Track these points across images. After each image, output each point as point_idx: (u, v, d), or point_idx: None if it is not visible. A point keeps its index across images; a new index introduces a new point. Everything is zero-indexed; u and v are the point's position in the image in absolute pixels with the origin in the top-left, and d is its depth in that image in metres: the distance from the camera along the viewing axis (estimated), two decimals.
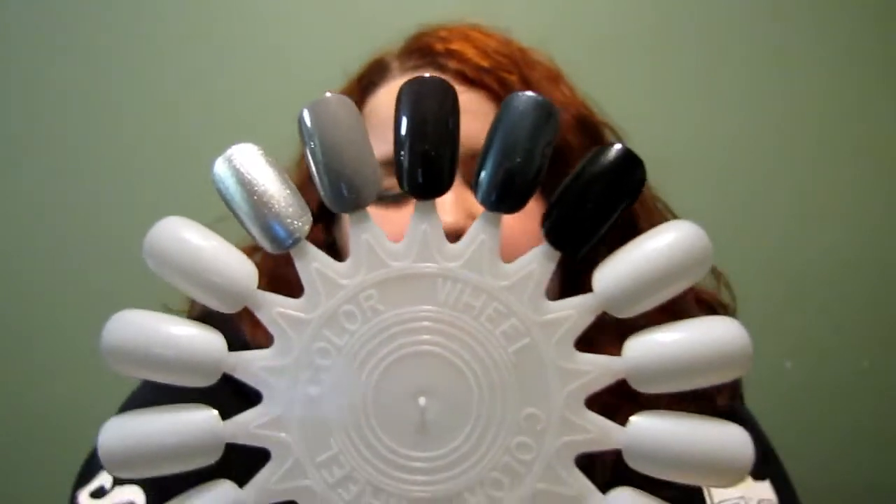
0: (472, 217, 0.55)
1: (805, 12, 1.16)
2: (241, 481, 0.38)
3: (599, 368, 0.37)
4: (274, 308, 0.38)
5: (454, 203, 0.56)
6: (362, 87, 0.67)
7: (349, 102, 0.39)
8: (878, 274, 1.17)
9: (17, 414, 1.16)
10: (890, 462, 1.17)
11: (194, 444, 0.38)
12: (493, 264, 0.38)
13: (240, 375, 0.38)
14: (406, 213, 0.48)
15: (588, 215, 0.37)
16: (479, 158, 0.38)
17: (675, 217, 0.67)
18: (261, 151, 0.39)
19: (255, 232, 0.38)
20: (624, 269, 0.37)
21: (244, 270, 0.38)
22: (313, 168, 0.38)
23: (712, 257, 0.38)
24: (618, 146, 0.38)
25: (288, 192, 0.38)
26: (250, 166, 0.39)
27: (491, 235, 0.38)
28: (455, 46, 0.63)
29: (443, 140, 0.38)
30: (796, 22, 1.17)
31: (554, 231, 0.38)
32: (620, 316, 0.38)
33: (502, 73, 0.62)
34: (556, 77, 0.67)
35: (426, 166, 0.38)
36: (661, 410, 0.37)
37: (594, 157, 0.38)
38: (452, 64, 0.62)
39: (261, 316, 0.38)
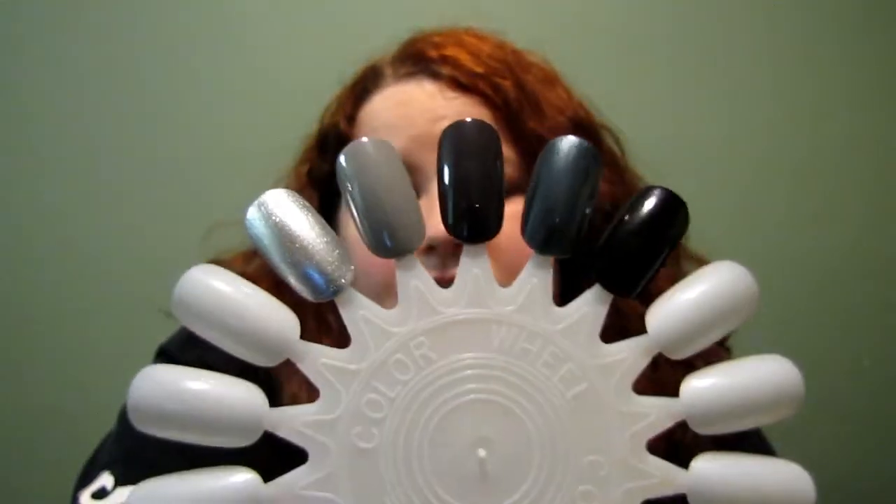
0: None
1: (801, 11, 1.18)
2: None
3: (659, 411, 0.37)
4: (319, 359, 0.36)
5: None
6: (356, 95, 0.66)
7: (388, 146, 0.38)
8: (878, 273, 1.18)
9: (19, 414, 1.12)
10: (890, 461, 1.17)
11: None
12: (546, 308, 0.37)
13: (283, 434, 0.36)
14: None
15: (638, 260, 0.37)
16: (526, 203, 0.38)
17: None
18: (293, 197, 0.38)
19: (295, 282, 0.37)
20: (677, 310, 0.37)
21: (286, 320, 0.36)
22: (355, 214, 0.37)
23: (758, 297, 0.38)
24: (660, 191, 0.38)
25: (327, 238, 0.37)
26: (284, 213, 0.37)
27: (542, 279, 0.37)
28: (448, 52, 0.63)
29: (489, 190, 0.38)
30: (793, 20, 1.19)
31: (606, 276, 0.37)
32: (674, 357, 0.37)
33: (496, 78, 0.62)
34: (552, 79, 0.67)
35: (472, 217, 0.37)
36: (718, 452, 0.37)
37: (638, 201, 0.38)
38: (446, 70, 0.62)
39: (304, 368, 0.36)
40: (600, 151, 0.39)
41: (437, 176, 0.38)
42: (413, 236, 0.37)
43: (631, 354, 0.37)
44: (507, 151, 0.60)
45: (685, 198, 0.65)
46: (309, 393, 0.37)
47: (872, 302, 1.19)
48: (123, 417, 0.63)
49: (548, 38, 0.67)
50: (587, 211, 0.38)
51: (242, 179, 0.68)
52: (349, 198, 0.37)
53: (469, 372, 0.36)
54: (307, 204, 0.38)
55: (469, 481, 0.35)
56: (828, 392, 1.15)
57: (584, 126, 0.65)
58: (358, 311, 0.37)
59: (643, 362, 0.37)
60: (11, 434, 1.12)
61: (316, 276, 0.36)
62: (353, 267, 0.37)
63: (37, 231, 1.14)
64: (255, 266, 0.63)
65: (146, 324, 0.65)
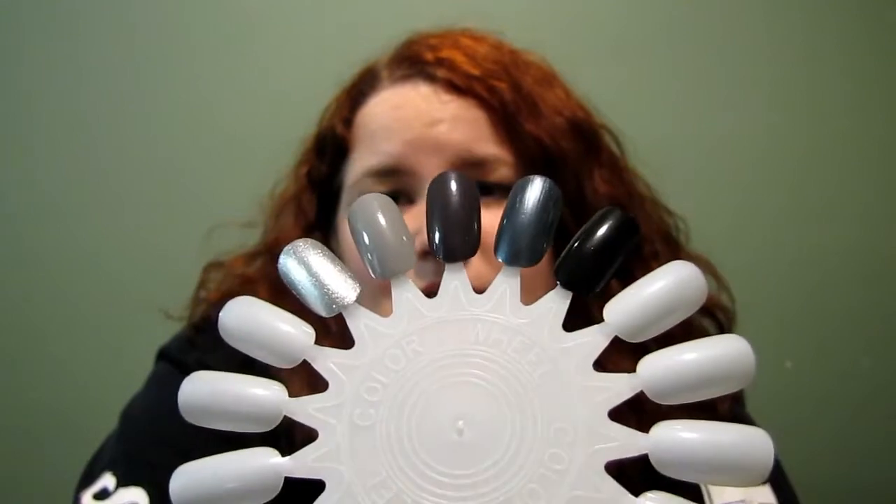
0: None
1: (801, 11, 1.17)
2: None
3: (618, 384, 0.42)
4: (329, 359, 0.44)
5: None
6: (352, 98, 0.67)
7: (386, 200, 0.48)
8: (878, 273, 1.13)
9: (19, 415, 1.11)
10: (890, 461, 1.08)
11: (258, 484, 0.42)
12: (515, 307, 0.44)
13: (299, 418, 0.43)
14: None
15: (595, 268, 0.44)
16: (499, 227, 0.46)
17: (669, 215, 0.69)
18: (312, 243, 0.47)
19: (315, 306, 0.46)
20: (631, 302, 0.43)
21: (302, 333, 0.45)
22: (363, 250, 0.46)
23: (706, 293, 0.44)
24: (618, 213, 0.45)
25: (339, 269, 0.46)
26: (307, 255, 0.47)
27: (511, 285, 0.45)
28: (444, 54, 0.64)
29: (468, 226, 0.46)
30: (793, 20, 1.18)
31: (568, 279, 0.44)
32: (631, 341, 0.43)
33: (492, 80, 0.62)
34: (550, 79, 0.67)
35: (453, 245, 0.46)
36: (681, 419, 0.41)
37: (600, 219, 0.46)
38: (442, 73, 0.63)
39: (318, 367, 0.44)
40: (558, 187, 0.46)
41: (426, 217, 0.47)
42: (404, 264, 0.46)
43: (591, 338, 0.43)
44: (504, 154, 0.61)
45: (683, 197, 0.67)
46: (309, 392, 0.44)
47: (872, 302, 1.14)
48: (125, 418, 0.64)
49: (547, 38, 0.68)
50: (549, 233, 0.45)
51: (242, 181, 0.69)
52: (357, 240, 0.47)
53: (451, 360, 0.43)
54: (324, 247, 0.47)
55: (450, 447, 0.41)
56: (828, 392, 1.10)
57: (583, 128, 0.64)
58: (361, 320, 0.45)
59: (602, 344, 0.43)
60: (12, 435, 1.11)
61: (333, 299, 0.45)
62: (359, 289, 0.46)
63: (36, 232, 1.14)
64: (256, 268, 0.64)
65: (146, 325, 0.66)
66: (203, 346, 0.43)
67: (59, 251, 1.18)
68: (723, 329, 0.66)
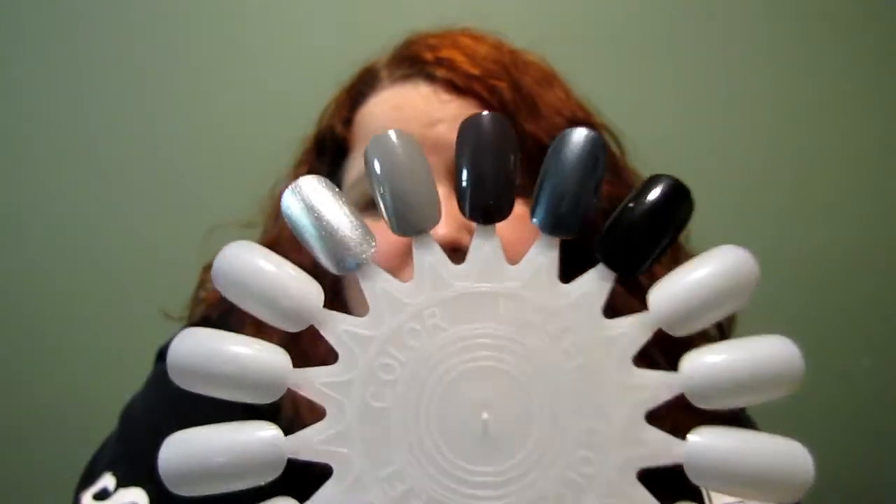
0: (465, 228, 0.56)
1: (801, 11, 1.18)
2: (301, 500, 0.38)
3: (658, 384, 0.38)
4: (339, 326, 0.39)
5: (447, 215, 0.56)
6: (352, 98, 0.67)
7: (410, 137, 0.42)
8: (878, 272, 1.16)
9: (19, 415, 1.13)
10: (890, 461, 1.14)
11: (257, 459, 0.38)
12: (552, 284, 0.39)
13: (304, 392, 0.39)
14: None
15: (642, 243, 0.39)
16: (536, 189, 0.41)
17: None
18: (323, 182, 0.41)
19: (323, 257, 0.40)
20: (678, 291, 0.39)
21: (311, 291, 0.40)
22: (378, 195, 0.41)
23: (758, 280, 0.40)
24: (668, 179, 0.40)
25: (352, 218, 0.40)
26: (315, 196, 0.41)
27: (549, 258, 0.40)
28: (444, 54, 0.63)
29: (506, 182, 0.40)
30: (792, 20, 1.18)
31: (610, 257, 0.39)
32: (675, 334, 0.39)
33: (492, 80, 0.62)
34: (549, 79, 0.67)
35: (487, 203, 0.40)
36: (716, 426, 0.38)
37: (646, 187, 0.40)
38: (441, 73, 0.62)
39: (326, 334, 0.39)
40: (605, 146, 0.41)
41: (455, 165, 0.41)
42: (429, 217, 0.40)
43: (632, 329, 0.39)
44: None
45: None
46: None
47: (872, 301, 1.16)
48: (125, 419, 0.65)
49: (547, 38, 0.67)
50: (593, 197, 0.40)
51: (242, 181, 0.70)
52: (375, 180, 0.41)
53: (477, 340, 0.39)
54: (336, 188, 0.41)
55: (472, 441, 0.38)
56: (828, 392, 1.13)
57: (583, 126, 0.64)
58: (377, 284, 0.40)
59: (644, 337, 0.39)
60: (12, 435, 1.13)
61: (343, 252, 0.40)
62: (374, 244, 0.40)
63: (36, 233, 1.15)
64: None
65: (146, 325, 0.67)
66: None
67: (58, 251, 1.17)
68: (722, 330, 0.64)
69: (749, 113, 1.18)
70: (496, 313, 0.39)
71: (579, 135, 0.41)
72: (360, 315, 0.40)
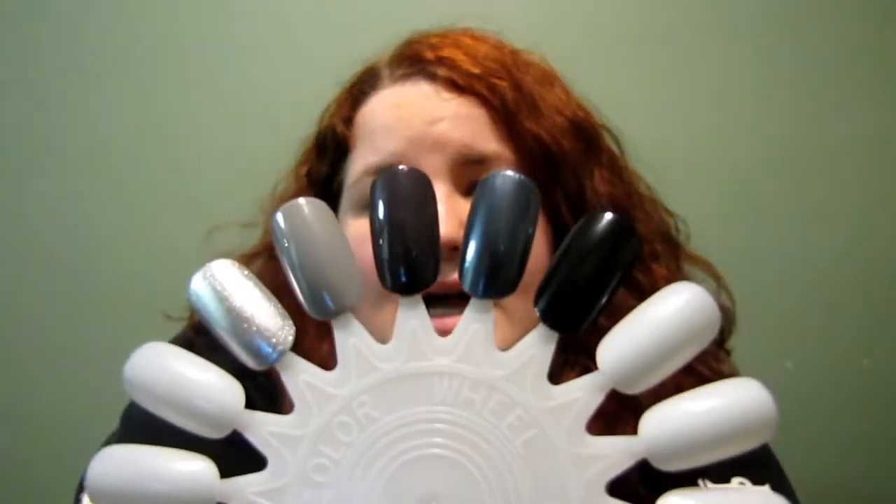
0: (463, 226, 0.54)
1: (801, 11, 1.16)
2: None
3: (617, 451, 0.35)
4: (264, 427, 0.36)
5: (447, 214, 0.54)
6: (353, 97, 0.66)
7: (323, 206, 0.38)
8: (878, 273, 1.14)
9: (19, 415, 1.13)
10: (890, 462, 1.12)
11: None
12: (488, 354, 0.36)
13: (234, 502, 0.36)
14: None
15: (583, 294, 0.36)
16: (463, 243, 0.37)
17: (669, 215, 0.66)
18: (236, 266, 0.38)
19: (237, 350, 0.37)
20: (629, 344, 0.35)
21: (231, 393, 0.36)
22: (290, 275, 0.37)
23: (719, 320, 0.36)
24: (608, 216, 0.36)
25: (267, 304, 0.37)
26: (227, 282, 0.37)
27: (483, 323, 0.36)
28: (445, 53, 0.63)
29: (424, 237, 0.37)
30: (792, 21, 1.16)
31: (550, 314, 0.36)
32: (630, 392, 0.35)
33: (493, 79, 0.61)
34: (550, 79, 0.66)
35: (409, 266, 0.36)
36: (689, 489, 0.35)
37: (582, 228, 0.36)
38: (442, 71, 0.62)
39: (250, 437, 0.36)
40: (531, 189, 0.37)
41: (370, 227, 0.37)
42: (351, 294, 0.37)
43: (583, 394, 0.35)
44: (504, 151, 0.59)
45: (684, 198, 0.62)
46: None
47: (872, 302, 1.13)
48: (125, 420, 0.64)
49: (547, 38, 0.67)
50: (526, 247, 0.36)
51: (242, 181, 0.70)
52: (285, 257, 0.37)
53: (414, 427, 0.35)
54: (248, 272, 0.38)
55: None
56: (828, 392, 1.11)
57: (583, 128, 0.64)
58: (299, 377, 0.36)
59: (596, 401, 0.35)
60: (12, 435, 1.13)
61: (260, 344, 0.36)
62: (293, 331, 0.37)
63: (36, 233, 1.15)
64: (255, 269, 0.63)
65: (146, 325, 0.65)
66: (202, 347, 0.37)
67: (58, 252, 1.15)
68: (722, 330, 0.60)
69: (749, 113, 1.16)
70: (431, 395, 0.35)
71: (502, 179, 0.37)
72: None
